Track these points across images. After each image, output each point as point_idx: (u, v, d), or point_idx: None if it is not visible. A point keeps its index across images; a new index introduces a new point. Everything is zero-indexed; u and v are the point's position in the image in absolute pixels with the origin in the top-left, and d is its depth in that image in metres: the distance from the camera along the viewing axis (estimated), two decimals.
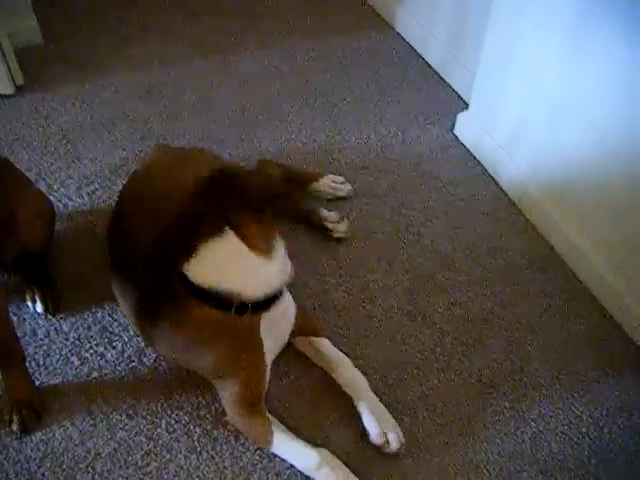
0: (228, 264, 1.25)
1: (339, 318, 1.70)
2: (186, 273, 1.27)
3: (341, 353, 1.56)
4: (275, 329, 1.41)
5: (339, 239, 1.89)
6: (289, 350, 1.57)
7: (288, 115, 2.35)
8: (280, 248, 1.32)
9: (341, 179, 2.04)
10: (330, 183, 2.02)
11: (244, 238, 1.23)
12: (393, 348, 1.64)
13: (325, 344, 1.58)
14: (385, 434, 1.44)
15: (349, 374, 1.53)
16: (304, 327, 1.58)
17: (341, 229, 1.87)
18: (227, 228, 1.23)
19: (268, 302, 1.32)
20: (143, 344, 1.60)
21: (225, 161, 1.84)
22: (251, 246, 1.24)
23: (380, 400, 1.50)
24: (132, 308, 1.47)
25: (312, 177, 2.02)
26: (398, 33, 2.81)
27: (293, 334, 1.54)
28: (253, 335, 1.36)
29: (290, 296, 1.49)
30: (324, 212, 1.89)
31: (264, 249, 1.26)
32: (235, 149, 2.16)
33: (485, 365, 1.63)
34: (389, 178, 2.12)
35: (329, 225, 1.87)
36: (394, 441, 1.44)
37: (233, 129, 2.27)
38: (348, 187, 2.03)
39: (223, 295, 1.26)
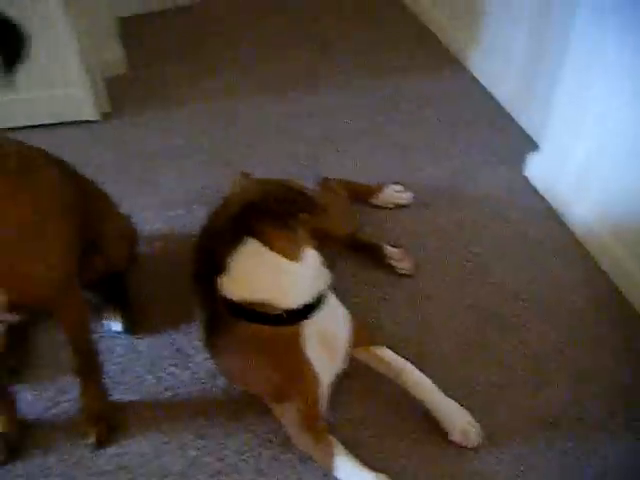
0: (255, 270, 1.31)
1: (399, 352, 1.72)
2: (222, 289, 1.33)
3: (403, 359, 1.57)
4: (326, 342, 1.43)
5: (404, 274, 1.92)
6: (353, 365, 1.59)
7: (359, 151, 2.40)
8: (311, 255, 1.35)
9: (402, 188, 2.11)
10: (392, 193, 2.11)
11: (267, 243, 1.28)
12: (458, 383, 1.66)
13: (386, 352, 1.58)
14: (465, 429, 1.47)
15: (415, 377, 1.54)
16: (363, 338, 1.59)
17: (405, 266, 1.90)
18: (248, 237, 1.29)
19: (306, 310, 1.35)
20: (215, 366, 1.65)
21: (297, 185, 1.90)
22: (275, 249, 1.29)
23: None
24: (202, 329, 1.53)
25: (375, 189, 2.11)
26: (470, 71, 2.84)
27: (352, 347, 1.55)
28: (296, 347, 1.38)
29: (344, 309, 1.52)
30: (388, 249, 1.92)
31: (289, 252, 1.30)
32: (307, 181, 2.22)
33: (550, 403, 1.63)
34: (457, 215, 2.14)
35: (393, 262, 1.90)
36: (475, 435, 1.47)
37: (306, 162, 2.33)
38: (409, 195, 2.11)
39: (257, 307, 1.31)
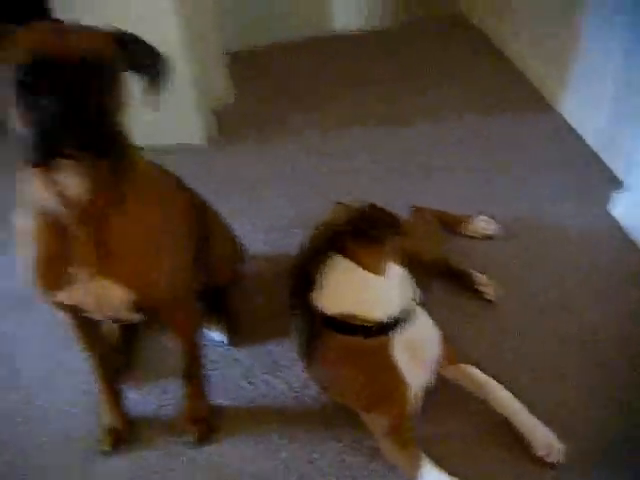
0: (344, 285, 1.42)
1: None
2: (315, 303, 1.45)
3: (488, 377, 1.64)
4: (416, 356, 1.51)
5: (489, 300, 1.99)
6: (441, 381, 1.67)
7: (449, 183, 2.49)
8: (395, 270, 1.46)
9: (489, 219, 2.20)
10: (480, 224, 2.19)
11: (354, 259, 1.40)
12: (538, 407, 1.67)
13: (473, 369, 1.66)
14: (549, 444, 1.52)
15: (502, 394, 1.60)
16: (451, 355, 1.67)
17: (491, 292, 1.97)
18: (337, 254, 1.41)
19: (393, 323, 1.44)
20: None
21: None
22: (361, 265, 1.40)
23: None
24: (298, 342, 1.65)
25: (464, 219, 2.21)
26: (559, 112, 2.89)
27: (441, 363, 1.63)
28: (385, 358, 1.46)
29: (434, 325, 1.61)
30: (477, 275, 2.00)
31: (375, 267, 1.41)
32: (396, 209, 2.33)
33: (633, 427, 1.65)
34: (541, 248, 2.19)
35: (480, 288, 1.98)
36: (557, 451, 1.52)
37: (394, 190, 2.44)
38: (496, 227, 2.19)
39: (347, 319, 1.42)
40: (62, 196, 1.21)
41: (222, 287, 1.89)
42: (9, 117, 1.13)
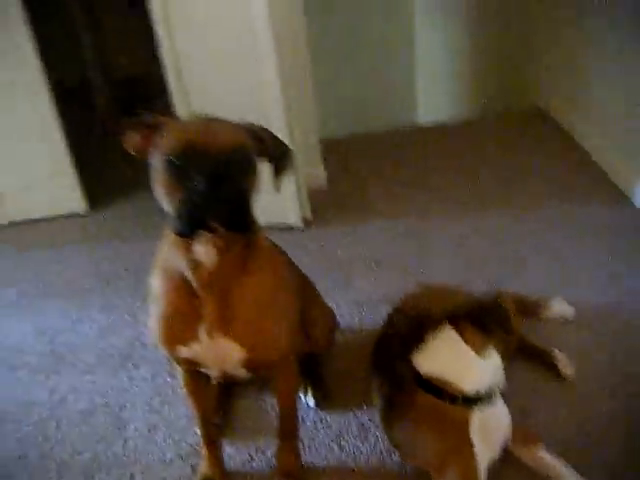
0: (448, 354, 1.59)
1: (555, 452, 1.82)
2: (414, 362, 1.62)
3: (557, 460, 1.71)
4: (488, 434, 1.63)
5: (566, 379, 2.06)
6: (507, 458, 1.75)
7: (524, 268, 2.60)
8: (494, 357, 1.61)
9: (566, 303, 2.30)
10: (557, 307, 2.30)
11: (463, 336, 1.57)
12: None
13: (541, 451, 1.73)
14: None
15: (569, 478, 1.67)
16: (520, 435, 1.75)
17: (569, 371, 2.06)
18: (449, 326, 1.59)
19: (478, 400, 1.59)
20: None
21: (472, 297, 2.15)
22: (468, 342, 1.57)
23: None
24: (379, 407, 1.81)
25: (542, 302, 2.31)
26: (629, 198, 2.98)
27: (509, 442, 1.73)
28: (464, 428, 1.60)
29: (506, 408, 1.71)
30: (556, 352, 2.09)
31: (479, 348, 1.57)
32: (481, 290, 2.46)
33: None
34: (617, 332, 2.25)
35: (559, 365, 2.07)
36: None
37: (476, 274, 2.58)
38: (572, 310, 2.29)
39: (440, 384, 1.58)
40: (195, 262, 1.42)
41: (316, 354, 2.05)
42: (155, 193, 1.36)
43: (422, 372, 1.63)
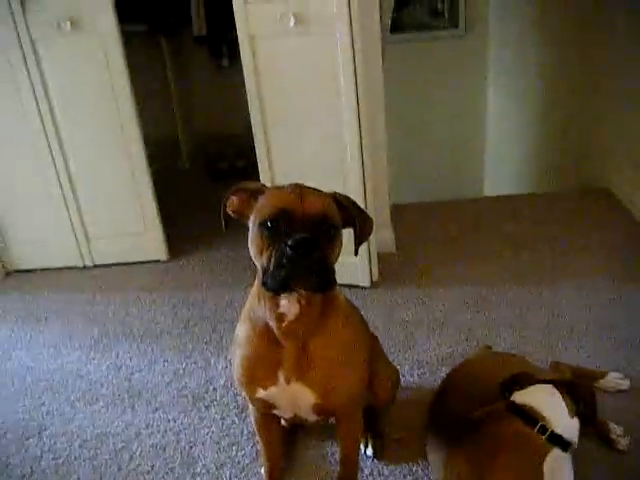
0: (546, 398, 1.77)
1: None
2: (513, 399, 1.79)
3: None
4: (554, 478, 1.71)
5: (619, 450, 2.11)
6: None
7: (583, 342, 2.66)
8: (575, 422, 1.76)
9: (621, 375, 2.38)
10: (613, 380, 2.37)
11: (561, 392, 1.76)
12: None
13: None
14: None
15: None
16: None
17: (623, 443, 2.11)
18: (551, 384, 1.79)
19: (560, 442, 1.70)
20: None
21: (530, 366, 2.24)
22: (564, 399, 1.76)
23: None
24: (442, 459, 1.90)
25: (598, 374, 2.39)
26: None
27: None
28: (541, 459, 1.69)
29: (572, 468, 1.78)
30: (611, 424, 2.15)
31: (569, 408, 1.75)
32: (538, 362, 2.54)
33: None
34: None
35: (613, 436, 2.13)
36: None
37: (535, 345, 2.66)
38: (627, 382, 2.36)
39: (535, 414, 1.72)
40: (279, 315, 1.58)
41: (377, 408, 2.18)
42: (250, 250, 1.54)
43: (519, 402, 1.77)
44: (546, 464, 1.70)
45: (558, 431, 1.71)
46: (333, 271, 1.51)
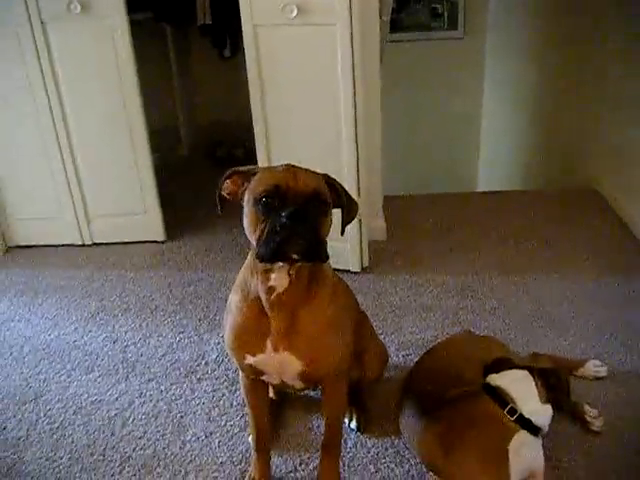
0: (520, 382, 1.85)
1: None
2: (488, 380, 1.88)
3: None
4: (520, 457, 1.80)
5: (594, 432, 2.19)
6: None
7: (564, 332, 2.74)
8: (549, 409, 1.84)
9: (600, 363, 2.45)
10: (592, 367, 2.45)
11: (535, 379, 1.84)
12: None
13: None
14: None
15: None
16: None
17: (597, 424, 2.20)
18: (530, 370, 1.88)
19: (529, 425, 1.80)
20: (424, 469, 2.06)
21: (510, 352, 2.33)
22: (537, 387, 1.83)
23: None
24: (416, 430, 2.00)
25: (578, 363, 2.47)
26: None
27: None
28: (507, 438, 1.79)
29: (542, 453, 1.88)
30: (586, 406, 2.23)
31: (541, 395, 1.82)
32: (519, 348, 2.63)
33: None
34: None
35: (588, 418, 2.21)
36: None
37: (519, 334, 2.75)
38: (605, 369, 2.44)
39: (506, 396, 1.82)
40: (269, 288, 1.68)
41: (363, 384, 2.27)
42: (245, 227, 1.63)
43: (493, 383, 1.87)
44: (512, 445, 1.80)
45: (528, 412, 1.81)
46: (325, 243, 1.60)
